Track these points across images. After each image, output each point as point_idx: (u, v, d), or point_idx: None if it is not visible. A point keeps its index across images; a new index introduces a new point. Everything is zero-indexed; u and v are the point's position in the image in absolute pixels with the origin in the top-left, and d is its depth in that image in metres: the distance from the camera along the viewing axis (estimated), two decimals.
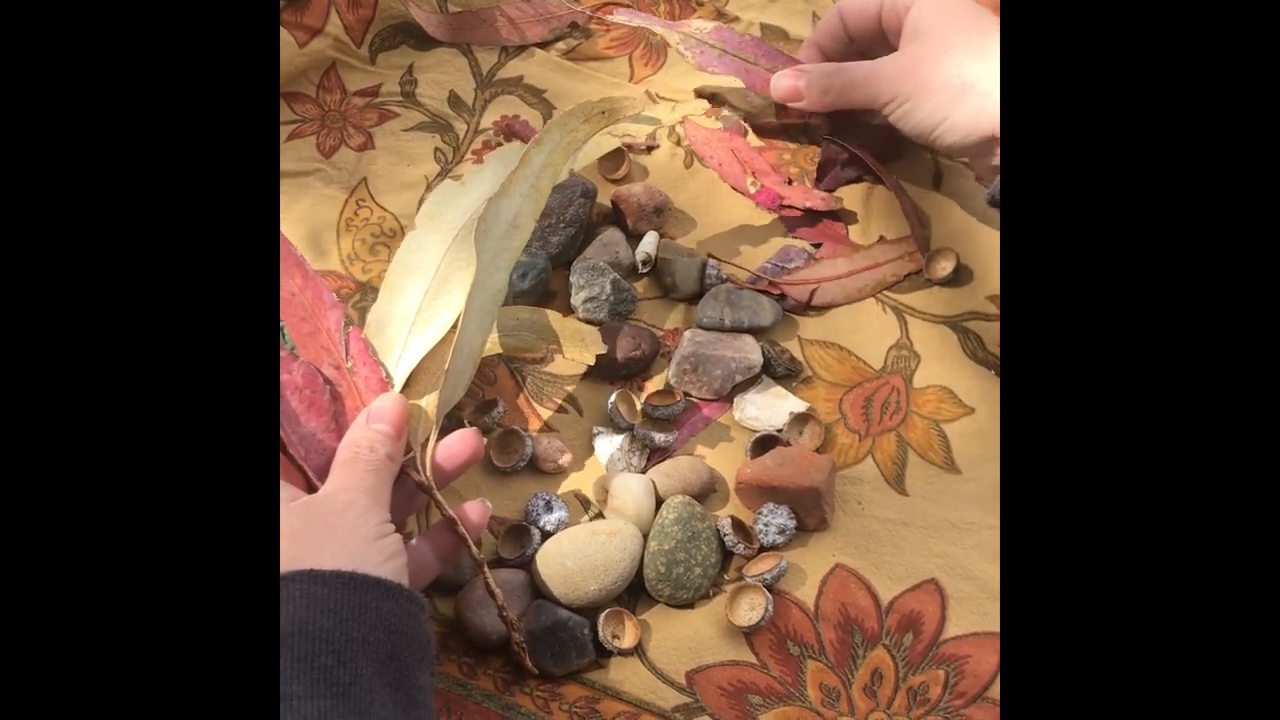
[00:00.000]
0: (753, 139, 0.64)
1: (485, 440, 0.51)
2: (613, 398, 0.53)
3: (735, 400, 0.55)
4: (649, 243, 0.59)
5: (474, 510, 0.47)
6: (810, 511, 0.51)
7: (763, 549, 0.51)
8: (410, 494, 0.47)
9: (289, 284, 0.48)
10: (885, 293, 0.59)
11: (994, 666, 0.48)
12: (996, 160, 0.54)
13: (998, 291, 0.58)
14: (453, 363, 0.47)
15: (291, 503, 0.41)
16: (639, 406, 0.54)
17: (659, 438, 0.53)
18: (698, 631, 0.49)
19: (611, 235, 0.59)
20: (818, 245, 0.60)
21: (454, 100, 0.67)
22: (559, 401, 0.56)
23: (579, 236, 0.59)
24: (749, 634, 0.49)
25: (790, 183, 0.63)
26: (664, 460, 0.53)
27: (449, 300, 0.49)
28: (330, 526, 0.40)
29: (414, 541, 0.46)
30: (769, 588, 0.49)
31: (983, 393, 0.56)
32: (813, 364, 0.57)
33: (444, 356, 0.47)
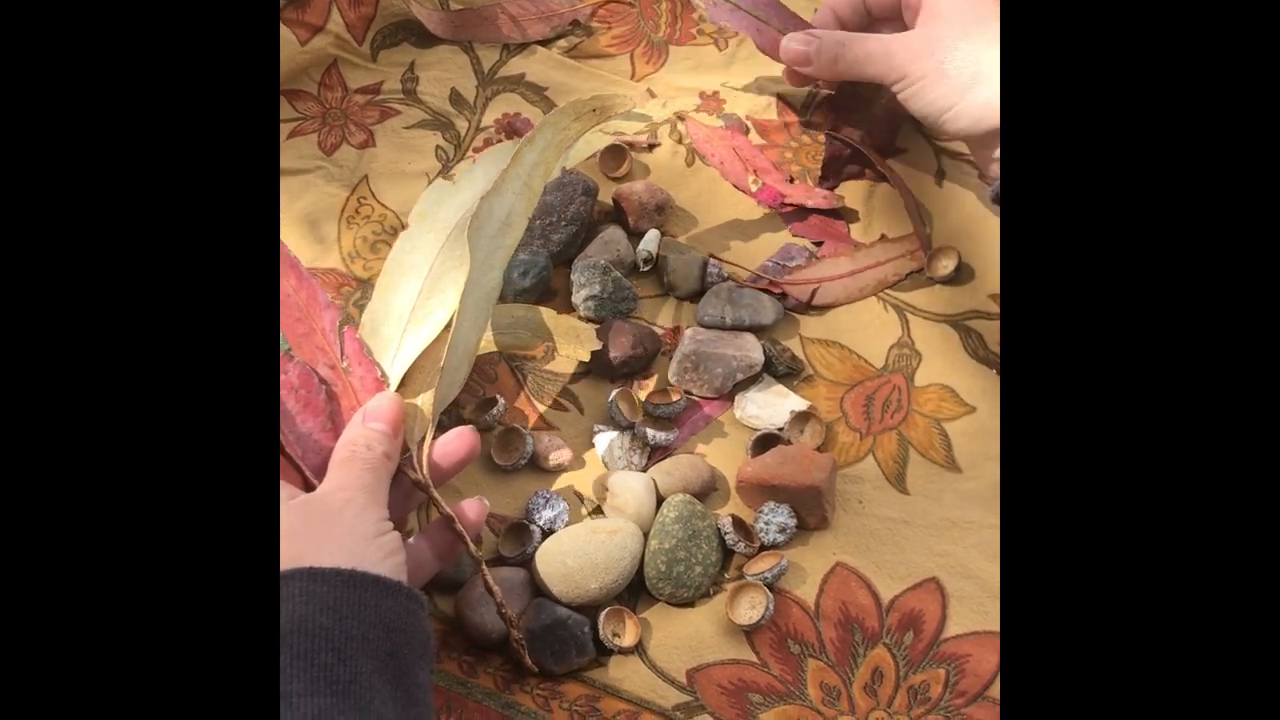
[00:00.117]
0: (755, 137, 0.64)
1: (482, 438, 0.51)
2: (613, 396, 0.53)
3: (736, 399, 0.55)
4: (650, 241, 0.59)
5: (471, 508, 0.47)
6: (811, 510, 0.51)
7: (763, 547, 0.51)
8: (407, 492, 0.47)
9: (284, 285, 0.48)
10: (887, 291, 0.59)
11: (995, 666, 0.48)
12: (999, 153, 0.53)
13: (999, 290, 0.58)
14: (448, 361, 0.47)
15: (290, 501, 0.42)
16: (640, 405, 0.54)
17: (660, 436, 0.53)
18: (698, 630, 0.49)
19: (613, 233, 0.59)
20: (819, 244, 0.60)
21: (455, 98, 0.67)
22: (560, 399, 0.56)
23: (580, 234, 0.59)
24: (749, 633, 0.49)
25: (792, 181, 0.62)
26: (665, 458, 0.53)
27: (443, 299, 0.49)
28: (329, 524, 0.40)
29: (412, 540, 0.46)
30: (769, 586, 0.49)
31: (984, 391, 0.55)
32: (814, 362, 0.57)
33: (439, 355, 0.47)
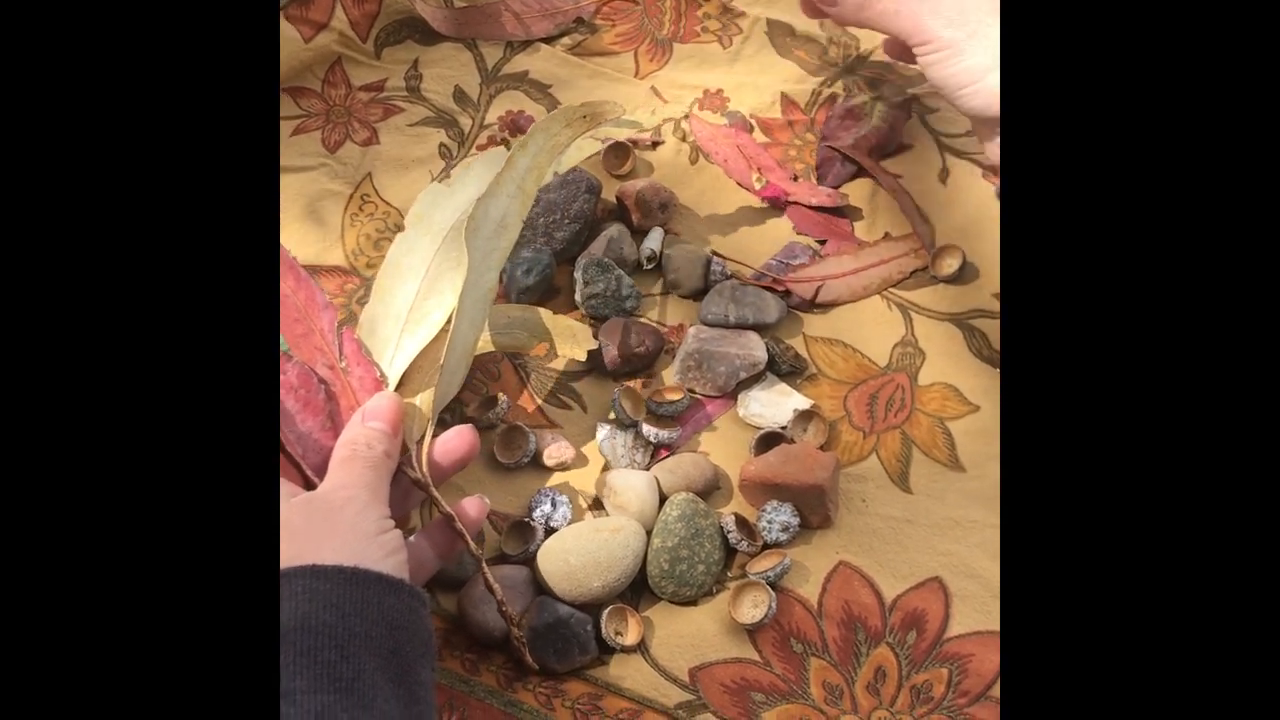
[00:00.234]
0: (759, 135, 0.64)
1: (485, 436, 0.51)
2: (617, 394, 0.53)
3: (739, 397, 0.55)
4: (654, 239, 0.59)
5: (472, 506, 0.47)
6: (814, 509, 0.51)
7: (766, 546, 0.51)
8: (407, 491, 0.47)
9: (282, 286, 0.49)
10: (890, 289, 0.59)
11: (997, 665, 0.48)
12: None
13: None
14: (446, 361, 0.47)
15: (291, 499, 0.42)
16: (643, 403, 0.54)
17: (663, 434, 0.53)
18: (701, 628, 0.49)
19: (616, 231, 0.59)
20: (823, 242, 0.60)
21: (459, 95, 0.67)
22: (562, 397, 0.56)
23: (583, 232, 0.59)
24: (752, 631, 0.49)
25: (796, 179, 0.62)
26: (668, 457, 0.53)
27: (440, 300, 0.49)
28: (331, 523, 0.40)
29: (413, 538, 0.46)
30: (772, 585, 0.49)
31: (987, 390, 0.55)
32: (817, 361, 0.57)
33: (437, 355, 0.48)
